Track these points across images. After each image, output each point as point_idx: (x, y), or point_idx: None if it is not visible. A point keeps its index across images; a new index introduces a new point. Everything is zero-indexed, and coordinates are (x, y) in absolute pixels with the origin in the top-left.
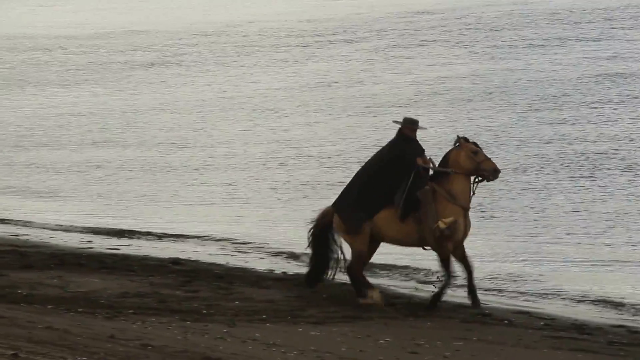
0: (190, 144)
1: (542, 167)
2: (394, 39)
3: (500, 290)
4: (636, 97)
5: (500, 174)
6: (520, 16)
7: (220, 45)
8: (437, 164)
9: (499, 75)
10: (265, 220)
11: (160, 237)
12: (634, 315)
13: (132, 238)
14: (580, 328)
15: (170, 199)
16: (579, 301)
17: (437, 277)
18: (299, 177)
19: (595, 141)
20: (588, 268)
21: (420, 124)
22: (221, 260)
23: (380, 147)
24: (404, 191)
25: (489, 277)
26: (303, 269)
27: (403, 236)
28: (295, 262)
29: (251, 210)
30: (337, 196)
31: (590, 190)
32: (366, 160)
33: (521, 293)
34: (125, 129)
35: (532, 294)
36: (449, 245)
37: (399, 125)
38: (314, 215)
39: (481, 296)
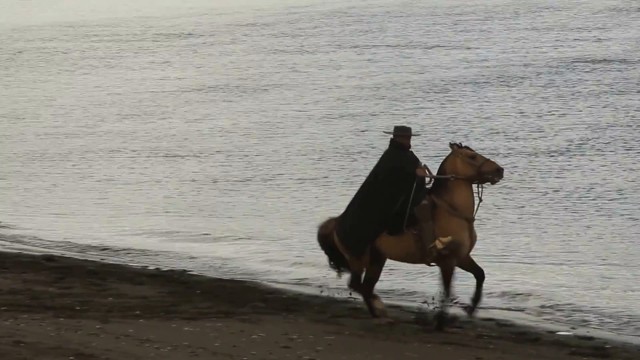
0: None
1: None
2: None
3: None
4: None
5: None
6: None
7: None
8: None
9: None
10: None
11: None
12: (502, 309)
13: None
14: (450, 321)
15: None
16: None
17: (433, 298)
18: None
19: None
20: None
21: (412, 131)
22: (95, 257)
23: (377, 160)
24: (401, 205)
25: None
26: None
27: (405, 254)
28: (169, 259)
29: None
30: (342, 211)
31: None
32: (368, 174)
33: (391, 290)
34: None
35: (400, 292)
36: (452, 263)
37: (390, 136)
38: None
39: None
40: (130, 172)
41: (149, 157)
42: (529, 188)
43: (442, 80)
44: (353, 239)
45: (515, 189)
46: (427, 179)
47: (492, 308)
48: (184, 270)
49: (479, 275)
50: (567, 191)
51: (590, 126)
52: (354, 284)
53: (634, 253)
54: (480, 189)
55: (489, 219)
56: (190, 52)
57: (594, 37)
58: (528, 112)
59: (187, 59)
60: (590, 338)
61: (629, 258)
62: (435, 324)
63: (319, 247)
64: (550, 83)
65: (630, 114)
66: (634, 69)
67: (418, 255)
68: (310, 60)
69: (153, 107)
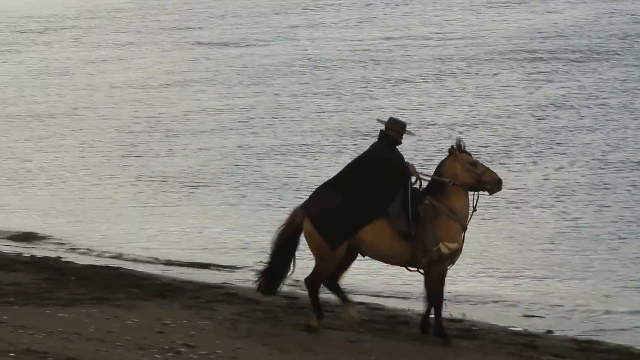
0: None
1: None
2: None
3: (244, 269)
4: None
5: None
6: None
7: None
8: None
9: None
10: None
11: None
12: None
13: None
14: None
15: None
16: None
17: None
18: None
19: None
20: None
21: (408, 129)
22: None
23: (363, 152)
24: (404, 203)
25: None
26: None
27: (393, 254)
28: (42, 246)
29: None
30: (308, 199)
31: None
32: (347, 164)
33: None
34: None
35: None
36: (445, 268)
37: (382, 126)
38: (285, 216)
39: (224, 275)
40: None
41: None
42: None
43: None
44: (334, 229)
45: None
46: (413, 179)
47: (366, 294)
48: (59, 257)
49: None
50: None
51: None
52: (316, 280)
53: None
54: (476, 198)
55: None
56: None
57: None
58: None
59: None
60: (459, 320)
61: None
62: (441, 337)
63: (276, 240)
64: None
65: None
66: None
67: (408, 256)
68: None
69: None
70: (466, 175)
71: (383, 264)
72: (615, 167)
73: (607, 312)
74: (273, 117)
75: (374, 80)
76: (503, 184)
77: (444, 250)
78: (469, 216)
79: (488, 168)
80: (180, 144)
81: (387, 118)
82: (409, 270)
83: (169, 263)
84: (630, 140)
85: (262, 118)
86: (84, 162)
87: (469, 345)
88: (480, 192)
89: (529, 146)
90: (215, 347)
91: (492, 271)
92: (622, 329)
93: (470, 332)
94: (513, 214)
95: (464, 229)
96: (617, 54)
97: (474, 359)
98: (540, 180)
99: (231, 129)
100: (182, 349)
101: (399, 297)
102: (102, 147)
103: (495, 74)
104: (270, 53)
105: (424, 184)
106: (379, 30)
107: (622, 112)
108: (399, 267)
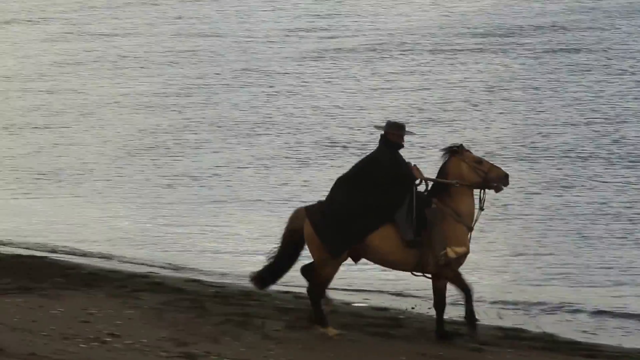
0: None
1: None
2: None
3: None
4: None
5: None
6: None
7: None
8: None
9: None
10: None
11: None
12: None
13: None
14: (249, 295)
15: None
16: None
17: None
18: None
19: None
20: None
21: (407, 129)
22: None
23: (365, 156)
24: (411, 209)
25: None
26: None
27: (401, 260)
28: None
29: None
30: (313, 204)
31: None
32: (352, 168)
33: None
34: None
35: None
36: (453, 273)
37: (381, 131)
38: (289, 215)
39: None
40: None
41: None
42: None
43: None
44: (337, 235)
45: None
46: (418, 181)
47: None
48: None
49: (466, 289)
50: None
51: None
52: (318, 290)
53: None
54: (482, 197)
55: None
56: None
57: None
58: None
59: None
60: (385, 309)
61: None
62: (469, 328)
63: (280, 245)
64: None
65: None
66: None
67: (415, 261)
68: None
69: None
70: (472, 174)
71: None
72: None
73: (534, 302)
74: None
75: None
76: (509, 178)
77: (452, 254)
78: (476, 217)
79: (493, 164)
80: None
81: (385, 122)
82: (415, 275)
83: (90, 254)
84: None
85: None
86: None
87: (396, 334)
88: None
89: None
90: (141, 337)
91: None
92: (550, 318)
93: (397, 320)
94: None
95: (470, 229)
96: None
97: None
98: None
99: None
100: (108, 339)
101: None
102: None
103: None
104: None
105: (429, 185)
106: None
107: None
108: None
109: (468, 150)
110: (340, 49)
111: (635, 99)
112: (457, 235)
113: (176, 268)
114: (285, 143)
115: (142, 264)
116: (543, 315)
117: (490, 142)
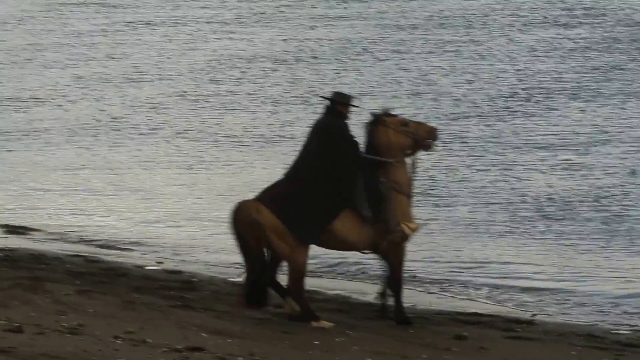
0: None
1: None
2: None
3: None
4: None
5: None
6: None
7: None
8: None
9: None
10: None
11: None
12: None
13: None
14: (38, 258)
15: None
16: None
17: (382, 288)
18: None
19: None
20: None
21: (352, 100)
22: None
23: (312, 132)
24: (367, 186)
25: None
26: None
27: (361, 241)
28: None
29: None
30: (259, 195)
31: None
32: (300, 152)
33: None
34: None
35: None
36: (405, 249)
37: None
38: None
39: None
40: None
41: None
42: None
43: None
44: (308, 224)
45: None
46: None
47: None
48: None
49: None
50: None
51: None
52: (299, 283)
53: None
54: (414, 161)
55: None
56: None
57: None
58: None
59: None
60: (179, 272)
61: None
62: (398, 319)
63: (242, 245)
64: None
65: None
66: None
67: (369, 241)
68: None
69: None
70: (402, 138)
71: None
72: None
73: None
74: None
75: None
76: (437, 131)
77: (407, 231)
78: (412, 183)
79: (418, 122)
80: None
81: (332, 92)
82: (363, 253)
83: None
84: None
85: None
86: None
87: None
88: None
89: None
90: None
91: None
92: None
93: (190, 283)
94: None
95: (410, 197)
96: None
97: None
98: None
99: None
100: None
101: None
102: None
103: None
104: None
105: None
106: None
107: None
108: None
109: (390, 115)
110: None
111: None
112: (405, 210)
113: None
114: None
115: None
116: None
117: None
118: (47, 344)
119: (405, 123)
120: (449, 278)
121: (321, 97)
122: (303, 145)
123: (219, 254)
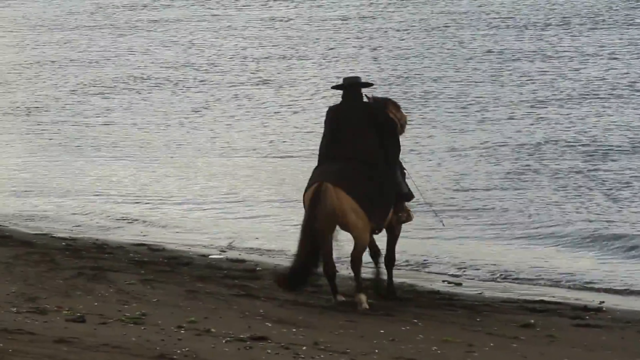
0: None
1: None
2: None
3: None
4: None
5: None
6: None
7: None
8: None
9: None
10: None
11: None
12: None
13: None
14: (102, 247)
15: None
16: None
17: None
18: None
19: None
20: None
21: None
22: None
23: (347, 116)
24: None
25: None
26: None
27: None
28: None
29: None
30: (324, 174)
31: None
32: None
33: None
34: None
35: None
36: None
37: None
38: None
39: None
40: None
41: None
42: None
43: None
44: (378, 208)
45: None
46: None
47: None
48: None
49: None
50: None
51: None
52: (360, 258)
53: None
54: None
55: None
56: None
57: None
58: None
59: None
60: (242, 261)
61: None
62: (390, 294)
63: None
64: None
65: None
66: None
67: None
68: None
69: None
70: (395, 122)
71: None
72: None
73: None
74: None
75: None
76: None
77: (411, 213)
78: None
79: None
80: None
81: (348, 78)
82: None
83: None
84: None
85: None
86: None
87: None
88: None
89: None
90: None
91: None
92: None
93: (253, 272)
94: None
95: None
96: None
97: None
98: None
99: None
100: None
101: None
102: None
103: None
104: None
105: None
106: None
107: None
108: None
109: (386, 99)
110: None
111: None
112: None
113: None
114: None
115: None
116: None
117: None
118: (109, 334)
119: (398, 108)
120: (513, 267)
121: (334, 87)
122: (342, 129)
123: (282, 242)
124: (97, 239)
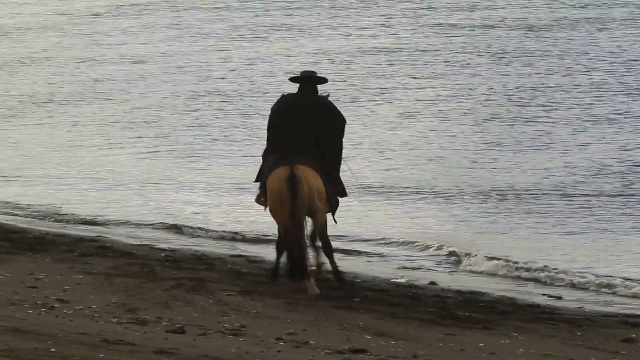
0: None
1: None
2: None
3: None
4: None
5: None
6: None
7: None
8: None
9: None
10: None
11: None
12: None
13: None
14: (201, 258)
15: None
16: (199, 236)
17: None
18: None
19: None
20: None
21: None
22: None
23: (300, 108)
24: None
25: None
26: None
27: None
28: None
29: None
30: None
31: None
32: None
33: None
34: None
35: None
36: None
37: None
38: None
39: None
40: None
41: None
42: None
43: None
44: (333, 196)
45: None
46: None
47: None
48: None
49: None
50: None
51: None
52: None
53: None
54: None
55: None
56: None
57: None
58: None
59: None
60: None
61: None
62: (342, 282)
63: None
64: None
65: None
66: None
67: None
68: None
69: None
70: None
71: None
72: None
73: None
74: None
75: None
76: None
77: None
78: None
79: None
80: None
81: (305, 71)
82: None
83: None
84: None
85: None
86: None
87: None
88: None
89: None
90: (90, 302)
91: None
92: None
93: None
94: None
95: None
96: None
97: None
98: None
99: None
100: (56, 304)
101: None
102: None
103: None
104: None
105: None
106: None
107: None
108: None
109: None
110: None
111: None
112: None
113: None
114: None
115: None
116: None
117: None
118: (209, 345)
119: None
120: (614, 279)
121: (291, 79)
122: (292, 120)
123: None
124: (196, 250)
